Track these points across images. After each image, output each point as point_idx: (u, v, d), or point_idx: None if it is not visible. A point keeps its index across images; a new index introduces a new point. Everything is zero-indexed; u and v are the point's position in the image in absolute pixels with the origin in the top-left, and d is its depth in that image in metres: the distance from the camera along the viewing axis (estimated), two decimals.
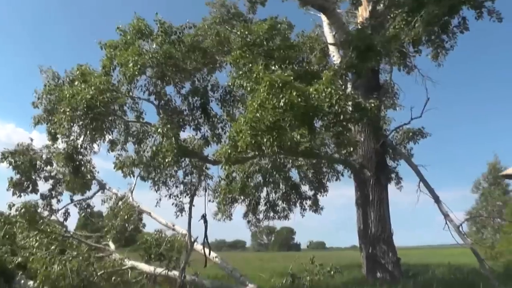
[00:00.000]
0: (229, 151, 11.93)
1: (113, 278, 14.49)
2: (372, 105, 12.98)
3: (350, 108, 12.55)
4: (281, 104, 10.65)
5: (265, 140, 10.91)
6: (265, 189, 19.34)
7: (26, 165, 18.82)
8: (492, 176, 32.08)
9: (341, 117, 12.08)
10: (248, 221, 20.28)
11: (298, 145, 12.64)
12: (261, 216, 20.03)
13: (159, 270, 15.26)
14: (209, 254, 15.36)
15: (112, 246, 18.41)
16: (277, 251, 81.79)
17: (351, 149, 14.34)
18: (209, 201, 17.95)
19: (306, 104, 10.88)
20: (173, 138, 13.19)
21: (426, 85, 15.73)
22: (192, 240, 14.85)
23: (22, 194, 19.27)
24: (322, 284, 14.73)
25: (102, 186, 21.22)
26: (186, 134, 15.81)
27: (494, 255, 24.71)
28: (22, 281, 15.34)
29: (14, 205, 15.24)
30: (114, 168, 15.39)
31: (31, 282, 14.40)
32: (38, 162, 19.31)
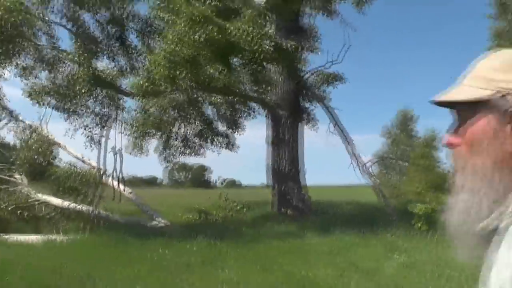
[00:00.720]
0: (146, 84, 11.73)
1: (25, 214, 14.05)
2: (293, 46, 13.11)
3: (271, 49, 12.62)
4: (201, 39, 10.53)
5: (183, 74, 10.81)
6: (181, 124, 19.01)
7: None
8: (401, 123, 34.05)
9: (261, 56, 12.14)
10: (165, 158, 20.03)
11: (215, 81, 12.59)
12: (176, 152, 19.79)
13: (72, 205, 14.97)
14: (124, 189, 15.28)
15: (24, 179, 17.71)
16: (193, 188, 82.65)
17: (268, 88, 14.52)
18: (125, 134, 17.34)
19: (225, 40, 10.82)
20: (88, 67, 12.70)
21: (350, 34, 16.18)
22: (107, 174, 14.63)
23: None
24: (234, 220, 15.25)
25: (13, 116, 20.10)
26: (102, 64, 15.20)
27: (398, 194, 26.46)
28: None
29: None
30: (24, 95, 14.65)
31: None
32: None
